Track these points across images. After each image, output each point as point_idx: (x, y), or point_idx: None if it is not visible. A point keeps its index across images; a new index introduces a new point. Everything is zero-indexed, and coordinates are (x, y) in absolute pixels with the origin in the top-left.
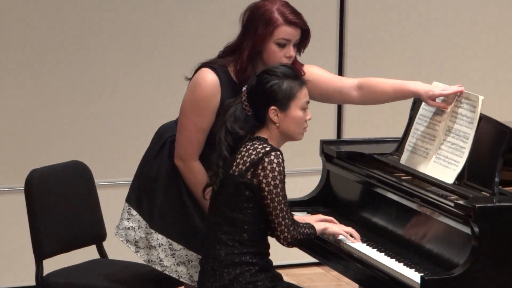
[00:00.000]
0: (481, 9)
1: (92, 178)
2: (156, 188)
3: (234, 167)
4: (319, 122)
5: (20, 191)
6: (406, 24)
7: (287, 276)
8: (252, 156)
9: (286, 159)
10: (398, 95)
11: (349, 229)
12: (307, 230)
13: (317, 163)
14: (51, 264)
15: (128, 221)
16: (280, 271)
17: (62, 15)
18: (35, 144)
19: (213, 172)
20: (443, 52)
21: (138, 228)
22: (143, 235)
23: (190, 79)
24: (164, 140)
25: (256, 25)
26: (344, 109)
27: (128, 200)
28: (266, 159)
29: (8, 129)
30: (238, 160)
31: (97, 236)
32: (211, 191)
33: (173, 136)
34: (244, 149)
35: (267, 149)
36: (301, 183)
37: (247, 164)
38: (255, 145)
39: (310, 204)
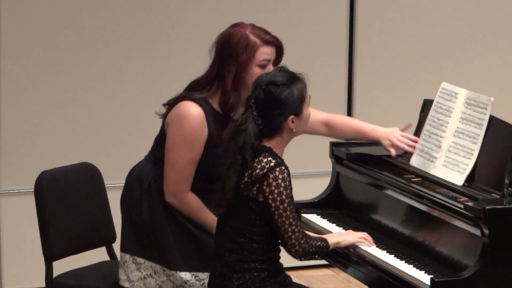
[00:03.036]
0: (493, 7)
1: (102, 180)
2: (157, 230)
3: (243, 180)
4: None
5: (30, 193)
6: (416, 23)
7: (297, 278)
8: (257, 171)
9: (296, 161)
10: (361, 137)
11: (363, 235)
12: (319, 243)
13: (327, 165)
14: (61, 266)
15: (139, 271)
16: (289, 273)
17: (74, 16)
18: (46, 146)
19: (229, 185)
20: (453, 53)
21: (155, 273)
22: (164, 278)
23: (166, 114)
24: (148, 183)
25: (235, 52)
26: (354, 111)
27: (127, 250)
28: (271, 175)
29: (19, 131)
30: (245, 172)
31: (106, 238)
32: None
33: (154, 175)
34: (256, 161)
35: (272, 164)
36: (311, 185)
37: (253, 178)
38: (260, 158)
39: (320, 206)
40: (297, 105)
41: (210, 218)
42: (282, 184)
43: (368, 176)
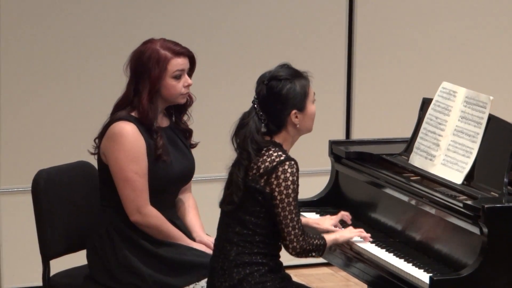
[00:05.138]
0: (492, 6)
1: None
2: (128, 264)
3: (249, 172)
4: (328, 122)
5: (27, 192)
6: (415, 22)
7: (296, 276)
8: (267, 164)
9: (295, 159)
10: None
11: (360, 230)
12: (316, 241)
13: (326, 164)
14: (58, 265)
15: None
16: (288, 271)
17: (74, 17)
18: (42, 144)
19: (236, 186)
20: (452, 51)
21: None
22: None
23: (98, 146)
24: (105, 230)
25: (147, 68)
26: (353, 109)
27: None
28: (280, 168)
29: (16, 130)
30: (252, 165)
31: None
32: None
33: (106, 223)
34: (259, 155)
35: (282, 158)
36: (310, 184)
37: (261, 171)
38: (270, 152)
39: (319, 204)
40: (300, 100)
41: (174, 229)
42: (290, 178)
43: (367, 175)
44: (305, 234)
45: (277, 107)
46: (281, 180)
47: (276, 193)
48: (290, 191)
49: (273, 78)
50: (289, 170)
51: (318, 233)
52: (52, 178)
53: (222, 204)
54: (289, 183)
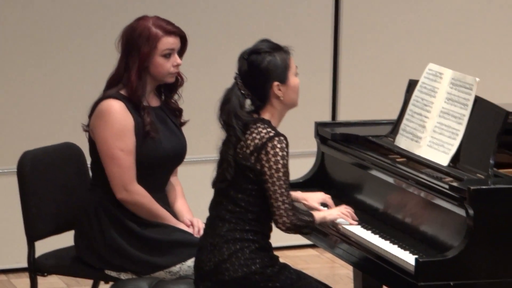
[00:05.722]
0: None
1: (85, 160)
2: (114, 244)
3: (238, 150)
4: (314, 104)
5: (12, 173)
6: (402, 3)
7: (281, 258)
8: (256, 141)
9: (284, 135)
10: None
11: (348, 209)
12: (306, 217)
13: (312, 145)
14: (43, 246)
15: (121, 276)
16: (274, 253)
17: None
18: (28, 125)
19: (226, 163)
20: (439, 33)
21: (131, 275)
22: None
23: (89, 124)
24: (93, 211)
25: (138, 44)
26: (339, 91)
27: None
28: (270, 144)
29: (1, 111)
30: (242, 143)
31: None
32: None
33: (95, 202)
34: (249, 132)
35: (271, 134)
36: (295, 165)
37: (251, 148)
38: (259, 129)
39: (304, 186)
40: (281, 72)
41: (161, 208)
42: (280, 154)
43: (353, 156)
44: (295, 210)
45: (258, 80)
46: (270, 156)
47: (265, 169)
48: (279, 166)
49: (253, 52)
50: (279, 146)
51: (307, 209)
52: (38, 159)
53: (215, 183)
54: (278, 158)
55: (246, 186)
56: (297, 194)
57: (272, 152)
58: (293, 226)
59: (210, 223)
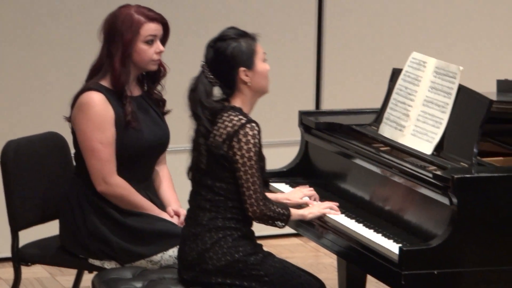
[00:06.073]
0: None
1: (68, 149)
2: (97, 232)
3: (211, 139)
4: (297, 93)
5: None
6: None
7: (266, 247)
8: (228, 129)
9: (265, 130)
10: None
11: (328, 204)
12: (279, 209)
13: (296, 134)
14: (27, 236)
15: (105, 265)
16: (258, 242)
17: None
18: (11, 115)
19: (197, 152)
20: (423, 22)
21: (115, 265)
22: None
23: (70, 116)
24: (76, 199)
25: (120, 31)
26: (323, 80)
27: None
28: (241, 132)
29: None
30: (214, 132)
31: None
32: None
33: (78, 190)
34: (220, 120)
35: (243, 121)
36: (279, 154)
37: (224, 136)
38: (231, 117)
39: (288, 175)
40: (247, 58)
41: (142, 199)
42: (252, 141)
43: (337, 145)
44: (267, 199)
45: (224, 66)
46: (242, 144)
47: (238, 157)
48: (252, 154)
49: (219, 40)
50: (250, 133)
51: (284, 203)
52: (21, 149)
53: (189, 172)
54: (250, 146)
55: (222, 174)
56: (277, 196)
57: (244, 139)
58: (263, 216)
59: (191, 214)
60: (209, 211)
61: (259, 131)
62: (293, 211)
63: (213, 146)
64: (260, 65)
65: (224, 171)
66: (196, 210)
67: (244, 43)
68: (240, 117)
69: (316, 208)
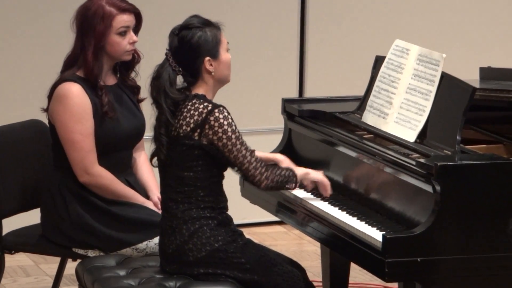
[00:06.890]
0: None
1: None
2: (80, 222)
3: (177, 129)
4: (281, 80)
5: None
6: None
7: (249, 235)
8: (196, 117)
9: (248, 117)
10: None
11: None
12: (284, 171)
13: (279, 122)
14: (11, 223)
15: (88, 253)
16: (241, 229)
17: None
18: None
19: (158, 142)
20: (405, 8)
21: (99, 253)
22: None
23: (47, 108)
24: (57, 190)
25: (92, 24)
26: (306, 67)
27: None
28: (211, 118)
29: None
30: (181, 122)
31: None
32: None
33: (58, 180)
34: (185, 110)
35: (209, 108)
36: (262, 142)
37: (192, 125)
38: (196, 105)
39: None
40: (212, 47)
41: (125, 188)
42: (225, 122)
43: (320, 133)
44: (268, 166)
45: (190, 55)
46: (216, 128)
47: (216, 141)
48: (229, 133)
49: (183, 28)
50: (221, 116)
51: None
52: (4, 136)
53: (151, 160)
54: (225, 127)
55: (190, 164)
56: (269, 156)
57: (216, 124)
58: (276, 183)
59: (165, 207)
60: (182, 203)
61: (228, 112)
62: (297, 169)
63: (181, 136)
64: (224, 55)
65: (191, 160)
66: (169, 203)
67: (210, 32)
68: (206, 104)
69: (320, 174)
